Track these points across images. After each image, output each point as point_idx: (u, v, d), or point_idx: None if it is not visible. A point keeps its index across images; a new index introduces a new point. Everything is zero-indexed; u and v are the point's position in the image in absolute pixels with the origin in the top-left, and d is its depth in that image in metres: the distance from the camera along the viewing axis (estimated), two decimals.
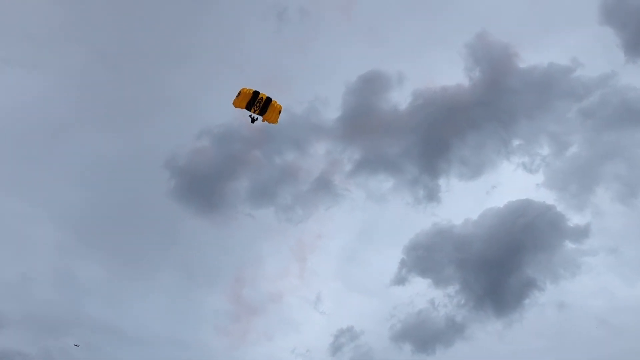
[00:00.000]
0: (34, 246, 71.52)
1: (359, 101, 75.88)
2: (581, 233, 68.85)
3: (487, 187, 76.10)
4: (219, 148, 74.04)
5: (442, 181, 74.47)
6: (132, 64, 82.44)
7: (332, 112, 76.14)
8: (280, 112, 42.39)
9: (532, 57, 76.10)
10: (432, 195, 73.82)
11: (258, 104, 41.05)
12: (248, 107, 41.14)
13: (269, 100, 41.31)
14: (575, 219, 70.46)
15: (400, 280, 71.50)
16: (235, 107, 41.23)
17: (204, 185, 73.40)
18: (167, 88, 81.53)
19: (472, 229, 71.88)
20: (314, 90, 78.75)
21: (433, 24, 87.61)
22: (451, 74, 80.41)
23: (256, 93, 40.83)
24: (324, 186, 75.01)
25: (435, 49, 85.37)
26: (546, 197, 73.52)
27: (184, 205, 73.37)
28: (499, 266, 69.22)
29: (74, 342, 60.96)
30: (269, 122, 42.79)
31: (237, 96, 40.84)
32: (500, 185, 75.75)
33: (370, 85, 75.88)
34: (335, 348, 68.32)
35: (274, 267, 75.41)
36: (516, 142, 74.69)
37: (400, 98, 76.00)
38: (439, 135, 74.06)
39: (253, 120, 42.65)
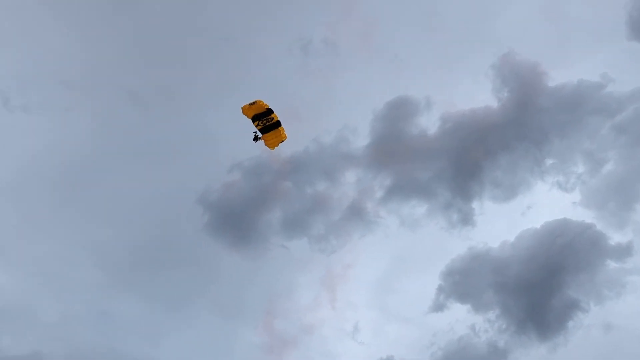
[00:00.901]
0: (73, 287, 72.78)
1: (387, 127, 75.90)
2: (623, 251, 67.01)
3: (522, 208, 75.02)
4: (250, 181, 74.40)
5: (475, 204, 73.48)
6: (162, 103, 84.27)
7: (361, 140, 76.22)
8: (282, 141, 41.39)
9: (561, 75, 75.45)
10: (467, 219, 72.88)
11: (266, 121, 39.99)
12: (254, 119, 40.12)
13: (278, 124, 40.33)
14: (616, 237, 68.70)
15: (438, 307, 70.56)
16: (243, 112, 40.16)
17: (237, 219, 73.69)
18: (197, 125, 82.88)
19: (510, 251, 70.74)
20: (342, 119, 79.52)
21: (457, 47, 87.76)
22: (479, 95, 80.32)
23: (269, 111, 39.77)
24: (356, 214, 74.74)
25: (461, 71, 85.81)
26: (584, 215, 72.12)
27: (218, 239, 73.77)
28: (539, 288, 67.73)
29: None
30: (267, 145, 41.47)
31: (249, 103, 39.77)
32: (536, 205, 74.71)
33: (398, 111, 75.94)
34: None
35: (308, 298, 75.10)
36: (550, 161, 73.58)
37: (428, 122, 75.92)
38: (470, 157, 73.40)
39: (256, 138, 41.46)
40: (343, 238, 74.35)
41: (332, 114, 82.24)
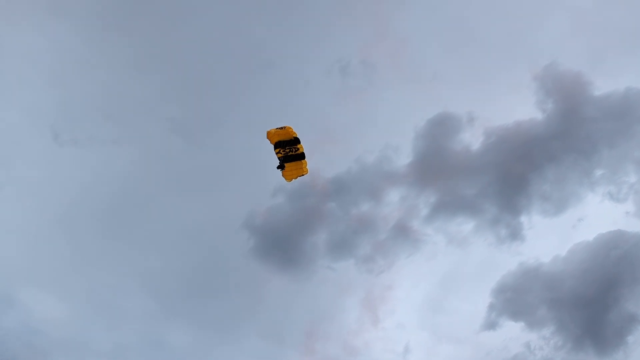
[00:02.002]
0: (124, 316, 73.94)
1: (429, 145, 75.44)
2: None
3: (572, 221, 73.23)
4: (294, 203, 74.51)
5: (524, 218, 72.14)
6: (205, 130, 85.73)
7: (403, 158, 75.91)
8: (301, 175, 39.71)
9: (607, 83, 73.92)
10: (515, 234, 71.53)
11: (289, 150, 38.53)
12: (277, 145, 38.57)
13: (302, 156, 38.87)
14: None
15: (490, 325, 69.11)
16: (267, 136, 38.56)
17: (282, 242, 73.89)
18: (240, 151, 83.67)
19: (562, 266, 69.00)
20: (384, 138, 79.05)
21: (496, 60, 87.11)
22: (522, 108, 79.69)
23: (296, 140, 38.30)
24: (401, 233, 74.13)
25: (503, 85, 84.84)
26: (639, 226, 70.30)
27: (265, 263, 74.14)
28: (595, 303, 65.80)
29: None
30: (284, 175, 39.67)
31: (278, 128, 38.26)
32: (587, 217, 72.77)
33: (440, 128, 75.48)
34: None
35: (357, 320, 74.49)
36: (599, 172, 71.78)
37: (471, 138, 75.29)
38: (516, 171, 72.29)
39: (281, 166, 39.62)
40: (390, 258, 73.97)
41: (374, 134, 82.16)
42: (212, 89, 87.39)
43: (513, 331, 72.94)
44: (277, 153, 38.83)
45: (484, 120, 76.50)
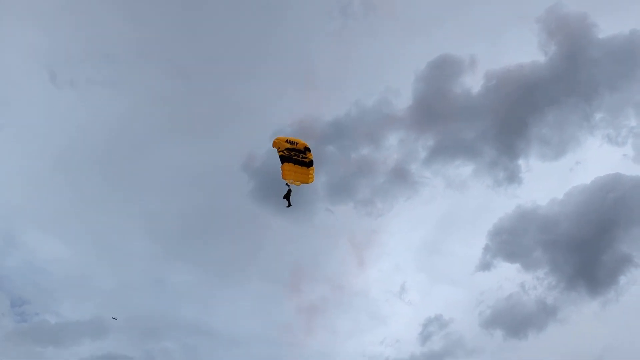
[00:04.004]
0: (127, 256, 75.68)
1: (430, 88, 74.86)
2: None
3: (571, 164, 73.83)
4: None
5: (521, 161, 72.64)
6: (206, 75, 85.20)
7: (403, 102, 75.67)
8: (304, 183, 38.67)
9: (611, 25, 73.56)
10: (513, 177, 72.03)
11: (295, 154, 37.43)
12: (286, 149, 37.52)
13: (310, 163, 37.86)
14: None
15: (485, 266, 70.41)
16: (274, 143, 37.71)
17: (281, 185, 74.21)
18: (240, 95, 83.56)
19: (559, 209, 69.67)
20: (384, 82, 78.69)
21: (500, 2, 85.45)
22: (524, 51, 79.12)
23: (307, 150, 37.27)
24: (400, 177, 74.70)
25: (506, 27, 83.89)
26: (637, 170, 70.54)
27: (264, 205, 74.21)
28: (589, 245, 66.67)
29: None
30: (284, 174, 38.57)
31: (289, 141, 37.44)
32: (585, 161, 73.27)
33: (441, 71, 74.77)
34: (425, 337, 68.34)
35: (355, 261, 75.96)
36: (599, 115, 71.53)
37: (472, 81, 74.63)
38: (516, 115, 72.00)
39: (288, 198, 39.93)
40: (388, 201, 74.75)
41: (373, 77, 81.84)
42: (211, 31, 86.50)
43: (508, 272, 74.33)
44: (279, 150, 38.05)
45: (485, 62, 76.27)
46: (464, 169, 74.79)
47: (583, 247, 66.84)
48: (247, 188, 74.13)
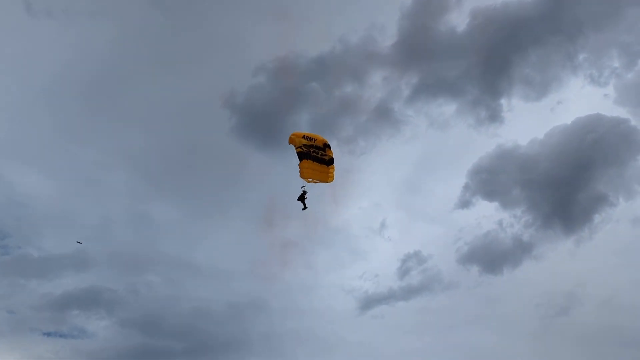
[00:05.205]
0: (110, 191, 75.60)
1: (415, 25, 73.83)
2: None
3: (552, 104, 74.15)
4: (275, 83, 73.98)
5: (504, 101, 72.89)
6: (186, 7, 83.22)
7: (388, 39, 74.87)
8: (324, 182, 36.72)
9: None
10: (495, 116, 72.35)
11: (314, 150, 35.35)
12: (304, 145, 35.54)
13: (330, 161, 35.64)
14: None
15: (464, 204, 71.68)
16: (290, 139, 35.82)
17: (264, 121, 73.77)
18: (220, 29, 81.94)
19: (538, 149, 70.37)
20: (369, 18, 77.61)
21: None
22: None
23: (326, 146, 35.12)
24: (383, 115, 74.62)
25: None
26: (618, 111, 70.85)
27: (246, 142, 74.73)
28: (567, 184, 67.89)
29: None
30: (303, 173, 36.72)
31: (306, 137, 35.46)
32: (567, 101, 73.61)
33: (427, 8, 73.66)
34: (403, 272, 69.95)
35: (337, 200, 76.49)
36: (583, 55, 71.47)
37: (458, 19, 73.80)
38: (500, 53, 71.52)
39: (303, 201, 38.17)
40: (371, 140, 74.84)
41: (358, 12, 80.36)
42: None
43: (487, 210, 76.13)
44: (296, 147, 35.84)
45: (471, 0, 74.87)
46: (446, 108, 75.03)
47: (560, 187, 68.15)
48: (229, 124, 74.41)
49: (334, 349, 65.56)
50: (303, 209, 38.46)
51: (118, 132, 78.53)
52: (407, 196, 79.33)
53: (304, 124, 74.10)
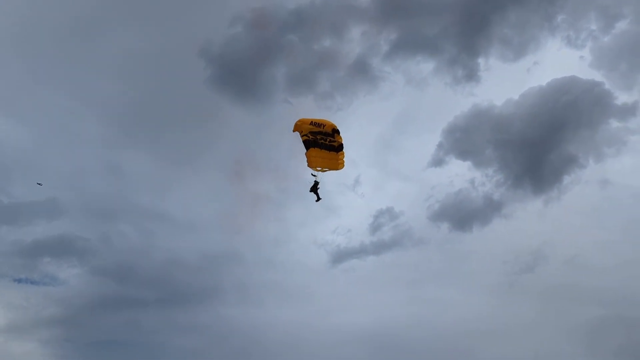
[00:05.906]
0: (82, 140, 74.65)
1: None
2: (628, 111, 67.00)
3: (528, 65, 74.58)
4: (252, 34, 72.57)
5: (481, 60, 72.80)
6: None
7: None
8: (334, 169, 35.24)
9: None
10: (472, 75, 72.40)
11: (325, 139, 33.79)
12: (310, 132, 34.09)
13: (340, 147, 34.17)
14: (623, 97, 69.02)
15: (437, 163, 72.45)
16: (296, 126, 34.42)
17: (240, 73, 72.87)
18: None
19: (513, 109, 70.80)
20: None
21: None
22: None
23: (335, 132, 33.54)
24: (361, 71, 74.10)
25: None
26: (593, 74, 71.30)
27: (221, 93, 73.78)
28: (539, 145, 68.92)
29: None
30: (310, 162, 35.33)
31: (314, 124, 33.93)
32: (543, 62, 73.54)
33: None
34: (375, 228, 71.03)
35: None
36: (561, 17, 71.62)
37: None
38: (480, 12, 71.07)
39: (316, 191, 36.84)
40: (349, 97, 74.46)
41: None
42: None
43: (459, 169, 76.96)
44: (302, 135, 34.30)
45: None
46: (424, 65, 74.93)
47: (532, 147, 69.10)
48: (204, 75, 72.98)
49: (305, 300, 66.95)
50: (317, 200, 37.36)
51: (90, 80, 76.87)
52: (382, 153, 79.74)
53: (280, 77, 73.57)
